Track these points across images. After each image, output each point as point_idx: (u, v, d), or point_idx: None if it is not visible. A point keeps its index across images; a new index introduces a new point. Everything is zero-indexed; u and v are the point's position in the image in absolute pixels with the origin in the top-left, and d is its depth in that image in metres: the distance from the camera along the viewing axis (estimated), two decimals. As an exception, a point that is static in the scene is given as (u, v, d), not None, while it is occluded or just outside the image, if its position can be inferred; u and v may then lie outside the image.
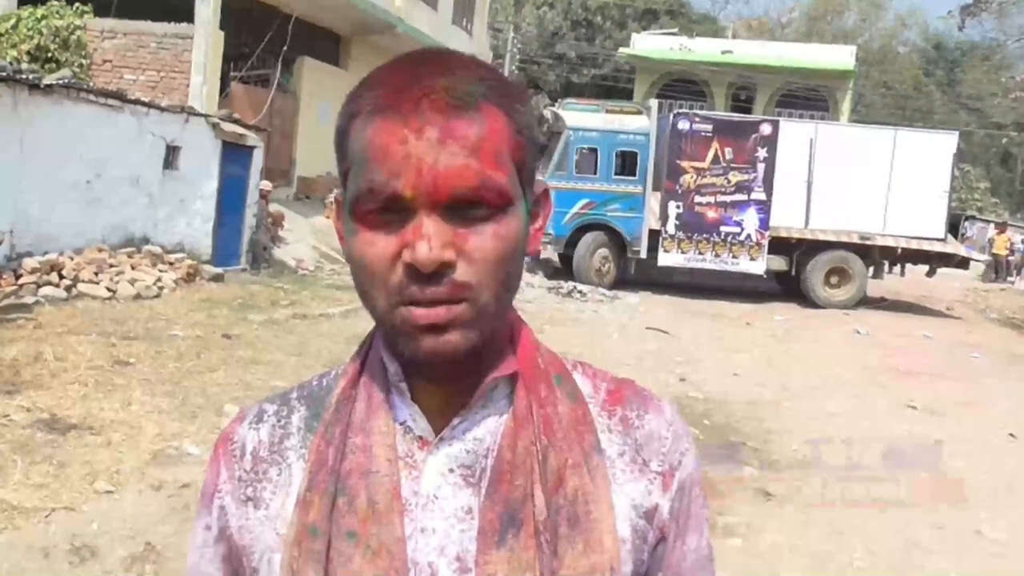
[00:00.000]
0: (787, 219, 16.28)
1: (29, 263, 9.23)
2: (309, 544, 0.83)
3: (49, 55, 13.80)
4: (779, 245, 16.38)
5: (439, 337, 0.79)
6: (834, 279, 16.60)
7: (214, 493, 0.92)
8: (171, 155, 11.71)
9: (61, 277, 9.45)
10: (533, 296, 13.86)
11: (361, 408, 0.87)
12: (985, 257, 25.50)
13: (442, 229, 0.78)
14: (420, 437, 0.86)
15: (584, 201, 15.89)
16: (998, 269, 26.84)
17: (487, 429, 0.85)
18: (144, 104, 11.34)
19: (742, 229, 16.23)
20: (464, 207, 0.79)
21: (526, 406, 0.85)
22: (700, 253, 16.30)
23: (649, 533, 0.88)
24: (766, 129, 16.40)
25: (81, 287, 9.51)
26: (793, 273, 16.71)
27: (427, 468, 0.85)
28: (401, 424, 0.86)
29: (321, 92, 18.35)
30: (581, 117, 16.43)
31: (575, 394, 0.89)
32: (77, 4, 14.46)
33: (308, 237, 15.75)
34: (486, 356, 0.85)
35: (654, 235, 16.23)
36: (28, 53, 13.50)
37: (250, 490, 0.89)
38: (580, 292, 15.25)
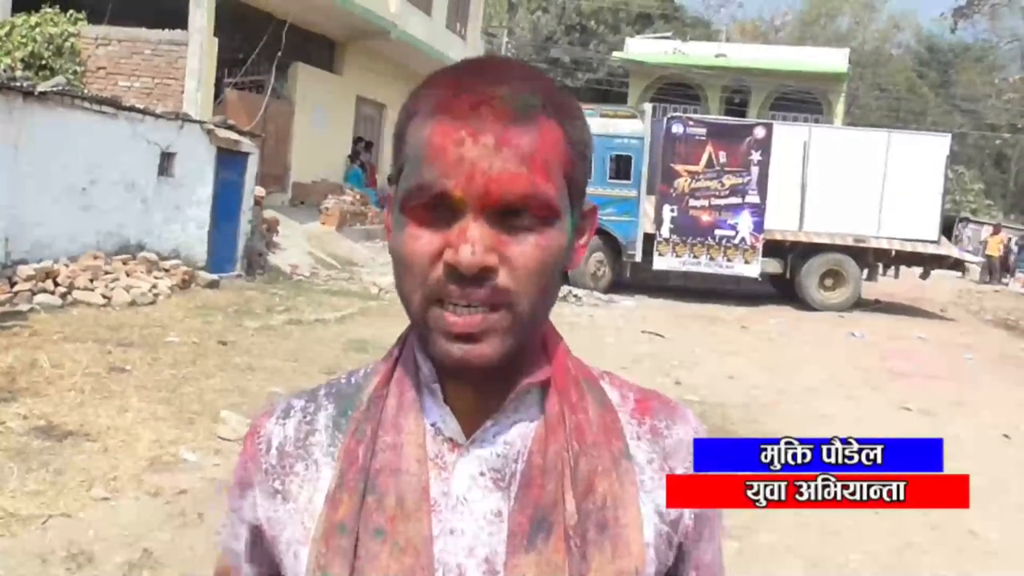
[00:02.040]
0: (781, 222, 16.30)
1: (24, 270, 9.21)
2: (337, 541, 0.84)
3: (43, 62, 13.79)
4: (773, 248, 16.41)
5: (471, 347, 0.81)
6: (828, 282, 16.62)
7: (245, 483, 0.93)
8: (166, 161, 11.70)
9: (56, 284, 9.44)
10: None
11: (392, 406, 0.88)
12: (979, 259, 25.59)
13: (487, 234, 0.79)
14: (451, 439, 0.87)
15: (579, 205, 15.87)
16: (992, 270, 26.93)
17: (518, 434, 0.87)
18: (138, 111, 11.33)
19: (736, 232, 16.25)
20: (510, 215, 0.80)
21: (558, 412, 0.86)
22: (695, 256, 16.31)
23: (674, 538, 0.90)
24: (760, 132, 16.43)
25: (76, 294, 9.51)
26: (788, 276, 16.72)
27: (457, 470, 0.86)
28: (432, 425, 0.88)
29: (315, 98, 18.37)
30: (575, 121, 16.43)
31: (604, 401, 0.90)
32: (71, 11, 14.46)
33: (303, 243, 15.74)
34: (519, 362, 0.86)
35: (649, 239, 16.24)
36: (22, 60, 13.50)
37: (277, 483, 0.91)
38: (575, 296, 15.25)
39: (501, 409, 0.86)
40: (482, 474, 0.86)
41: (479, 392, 0.87)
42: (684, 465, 0.90)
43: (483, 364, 0.81)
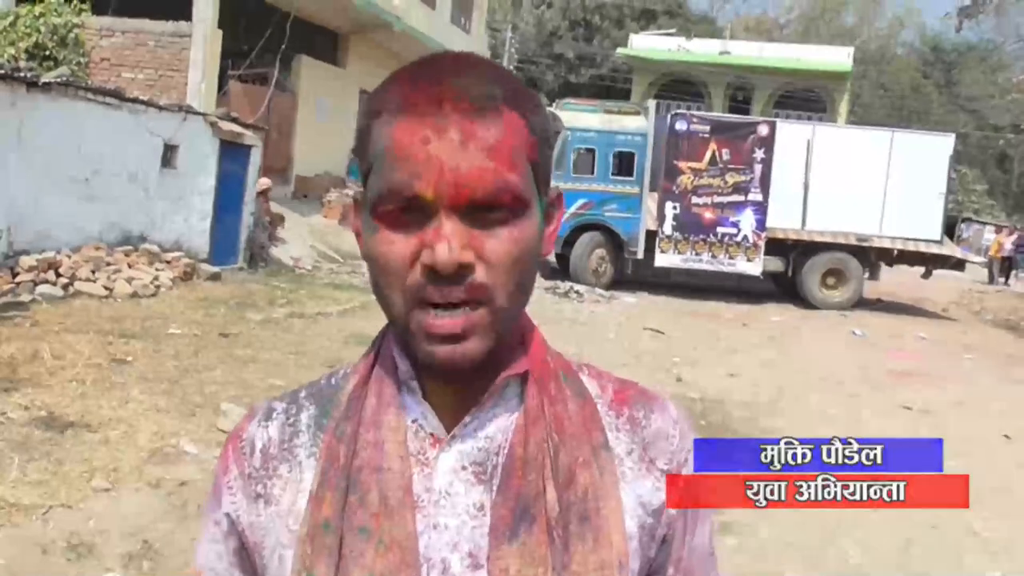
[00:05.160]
0: (784, 220, 16.28)
1: (26, 261, 9.22)
2: (321, 540, 0.83)
3: (47, 53, 13.77)
4: (776, 246, 16.40)
5: (455, 346, 0.80)
6: (831, 280, 16.61)
7: (224, 489, 0.92)
8: (169, 153, 11.71)
9: (58, 275, 9.45)
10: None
11: (372, 405, 0.87)
12: (981, 259, 25.59)
13: (461, 231, 0.79)
14: (432, 435, 0.86)
15: (581, 201, 15.89)
16: (999, 271, 26.97)
17: (498, 427, 0.86)
18: (142, 102, 11.33)
19: (739, 230, 16.24)
20: (482, 209, 0.79)
21: (537, 404, 0.86)
22: (697, 254, 16.31)
23: (657, 530, 0.89)
24: (763, 130, 16.40)
25: (78, 285, 9.51)
26: (790, 274, 16.71)
27: (439, 465, 0.85)
28: (413, 422, 0.87)
29: (319, 90, 18.37)
30: (579, 117, 16.43)
31: (583, 393, 0.90)
32: (75, 2, 14.42)
33: (305, 236, 15.75)
34: (498, 356, 0.85)
35: (651, 235, 16.24)
36: (26, 51, 13.49)
37: (260, 487, 0.90)
38: (577, 292, 15.26)
39: (480, 403, 0.85)
40: (464, 468, 0.85)
41: (458, 388, 0.86)
42: (664, 456, 0.89)
43: (468, 363, 0.81)
